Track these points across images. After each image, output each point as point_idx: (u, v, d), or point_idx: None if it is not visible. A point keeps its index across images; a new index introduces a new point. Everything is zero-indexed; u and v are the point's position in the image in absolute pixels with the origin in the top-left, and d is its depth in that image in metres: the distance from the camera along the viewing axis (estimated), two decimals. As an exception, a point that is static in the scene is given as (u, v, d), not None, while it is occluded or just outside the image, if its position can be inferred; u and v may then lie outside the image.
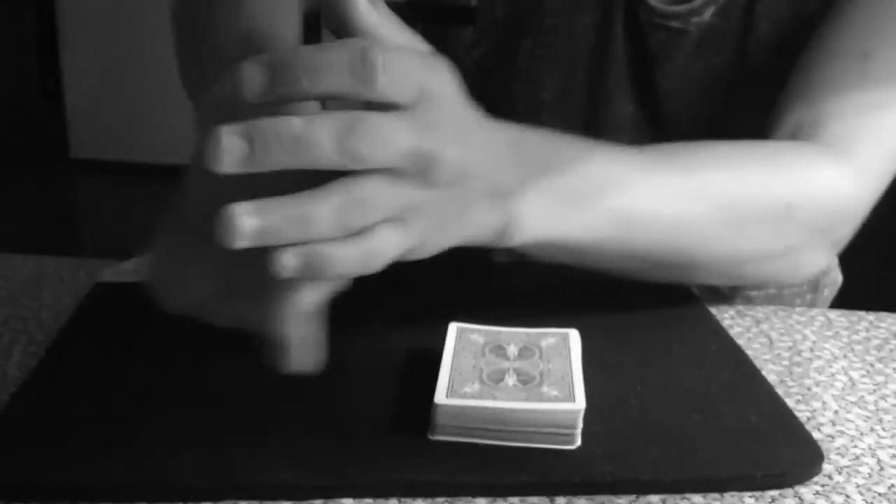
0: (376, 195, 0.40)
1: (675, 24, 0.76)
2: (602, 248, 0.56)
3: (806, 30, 0.74)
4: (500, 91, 0.82)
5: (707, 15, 0.75)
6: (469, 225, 0.47)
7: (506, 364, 0.51)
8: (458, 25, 1.13)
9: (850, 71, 0.66)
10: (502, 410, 0.47)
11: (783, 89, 0.71)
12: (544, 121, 0.81)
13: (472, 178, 0.44)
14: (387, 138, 0.40)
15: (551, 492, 0.46)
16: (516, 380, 0.49)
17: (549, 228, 0.52)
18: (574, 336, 0.54)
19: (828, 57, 0.68)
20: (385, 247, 0.41)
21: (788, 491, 0.47)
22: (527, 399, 0.47)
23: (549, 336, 0.54)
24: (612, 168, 0.55)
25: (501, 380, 0.49)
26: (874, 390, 0.58)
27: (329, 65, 0.39)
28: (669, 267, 0.61)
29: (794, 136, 0.66)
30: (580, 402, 0.47)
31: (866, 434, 0.53)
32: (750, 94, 0.77)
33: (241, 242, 0.39)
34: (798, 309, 0.71)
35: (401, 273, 0.66)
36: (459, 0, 1.18)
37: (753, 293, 0.80)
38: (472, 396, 0.48)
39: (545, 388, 0.48)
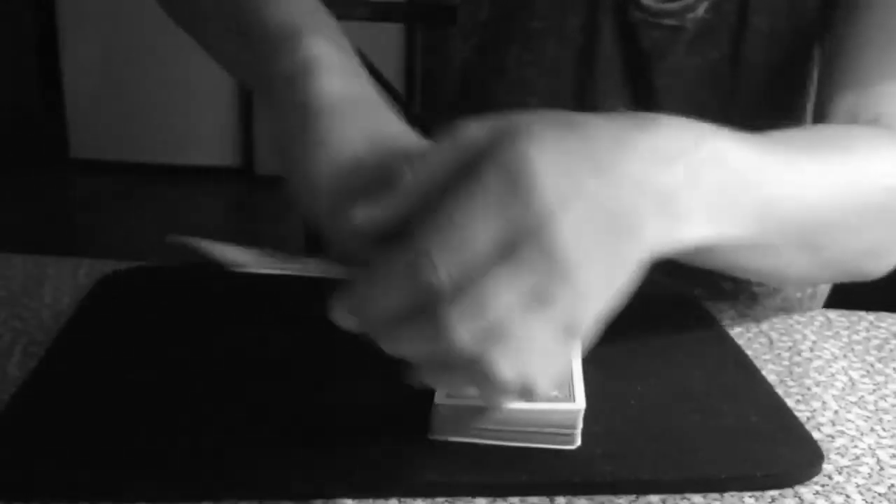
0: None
1: (670, 21, 0.76)
2: (752, 242, 0.49)
3: (803, 21, 0.74)
4: (487, 96, 0.82)
5: (701, 10, 0.75)
6: (635, 248, 0.41)
7: None
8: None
9: (892, 52, 0.66)
10: (502, 410, 0.47)
11: (824, 79, 0.70)
12: None
13: (617, 205, 0.39)
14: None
15: (551, 492, 0.46)
16: None
17: (710, 227, 0.45)
18: None
19: (866, 41, 0.68)
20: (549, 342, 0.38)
21: (788, 491, 0.47)
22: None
23: None
24: (750, 157, 0.48)
25: None
26: (874, 390, 0.58)
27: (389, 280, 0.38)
28: (795, 254, 0.55)
29: (853, 119, 0.66)
30: (580, 402, 0.47)
31: (866, 434, 0.53)
32: (746, 88, 0.77)
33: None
34: (798, 309, 0.71)
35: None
36: (458, 1, 1.18)
37: (756, 288, 0.80)
38: (473, 396, 0.47)
39: None
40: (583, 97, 0.79)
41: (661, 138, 0.43)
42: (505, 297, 0.37)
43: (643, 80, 0.78)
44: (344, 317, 0.39)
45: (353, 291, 0.39)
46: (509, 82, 0.80)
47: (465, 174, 0.39)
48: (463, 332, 0.37)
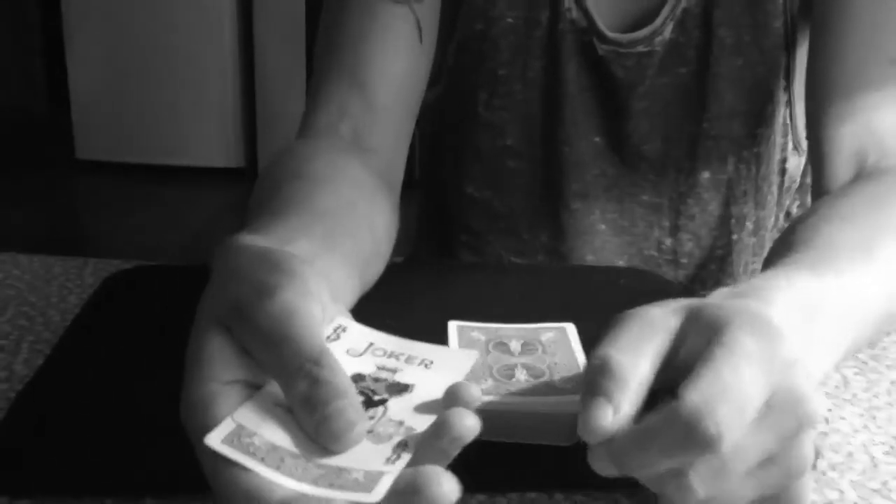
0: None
1: (641, 48, 0.76)
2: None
3: (766, 31, 0.75)
4: (463, 141, 0.83)
5: (668, 31, 0.76)
6: None
7: (513, 360, 0.51)
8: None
9: (888, 78, 0.67)
10: (507, 407, 0.47)
11: (817, 107, 0.71)
12: (511, 167, 0.82)
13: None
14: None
15: (549, 487, 0.47)
16: (527, 375, 0.49)
17: (823, 371, 0.49)
18: (571, 329, 0.55)
19: (857, 66, 0.68)
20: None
21: (782, 486, 0.48)
22: (544, 393, 0.47)
23: (546, 331, 0.54)
24: (839, 301, 0.50)
25: (513, 376, 0.49)
26: (867, 388, 0.59)
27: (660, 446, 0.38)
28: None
29: (860, 160, 0.67)
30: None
31: (860, 431, 0.54)
32: (715, 100, 0.77)
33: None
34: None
35: (397, 275, 0.67)
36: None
37: None
38: (487, 393, 0.48)
39: (557, 381, 0.48)
40: (553, 135, 0.80)
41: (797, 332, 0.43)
42: (762, 449, 0.38)
43: (617, 109, 0.79)
44: (603, 465, 0.40)
45: (616, 445, 0.39)
46: (481, 126, 0.81)
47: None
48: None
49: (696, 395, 0.37)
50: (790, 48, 0.77)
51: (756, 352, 0.38)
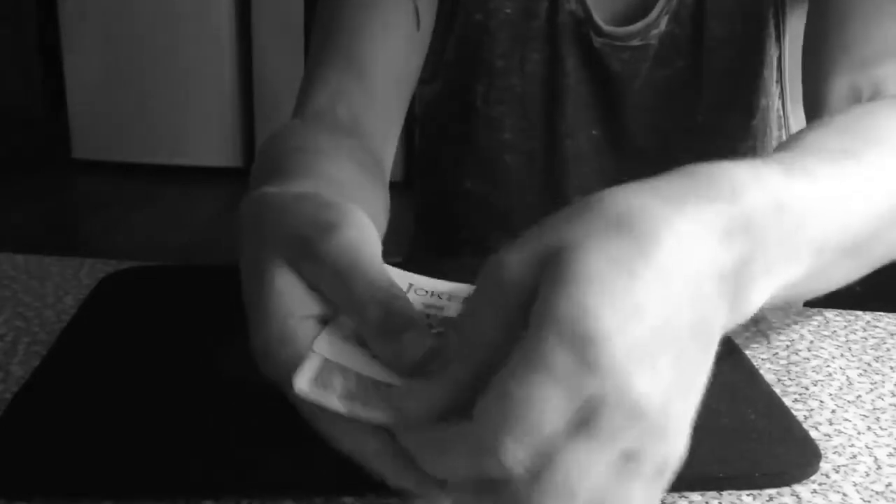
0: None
1: (636, 42, 0.76)
2: (807, 275, 0.44)
3: (757, 24, 0.75)
4: (460, 136, 0.83)
5: (663, 24, 0.76)
6: (711, 347, 0.35)
7: None
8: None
9: (886, 20, 0.65)
10: None
11: (812, 63, 0.69)
12: (508, 160, 0.82)
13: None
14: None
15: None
16: None
17: (772, 283, 0.40)
18: None
19: (849, 15, 0.67)
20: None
21: (786, 489, 0.48)
22: None
23: None
24: (797, 189, 0.42)
25: None
26: (871, 389, 0.58)
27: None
28: (843, 266, 0.51)
29: (856, 99, 0.65)
30: None
31: (863, 433, 0.53)
32: (708, 92, 0.77)
33: None
34: (795, 308, 0.71)
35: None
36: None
37: None
38: None
39: None
40: (552, 129, 0.80)
41: (709, 210, 0.35)
42: (594, 470, 0.32)
43: (614, 102, 0.79)
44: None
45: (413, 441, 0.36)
46: (479, 120, 0.81)
47: (518, 334, 0.33)
48: None
49: (484, 417, 0.32)
50: (780, 39, 0.77)
51: (560, 362, 0.31)
